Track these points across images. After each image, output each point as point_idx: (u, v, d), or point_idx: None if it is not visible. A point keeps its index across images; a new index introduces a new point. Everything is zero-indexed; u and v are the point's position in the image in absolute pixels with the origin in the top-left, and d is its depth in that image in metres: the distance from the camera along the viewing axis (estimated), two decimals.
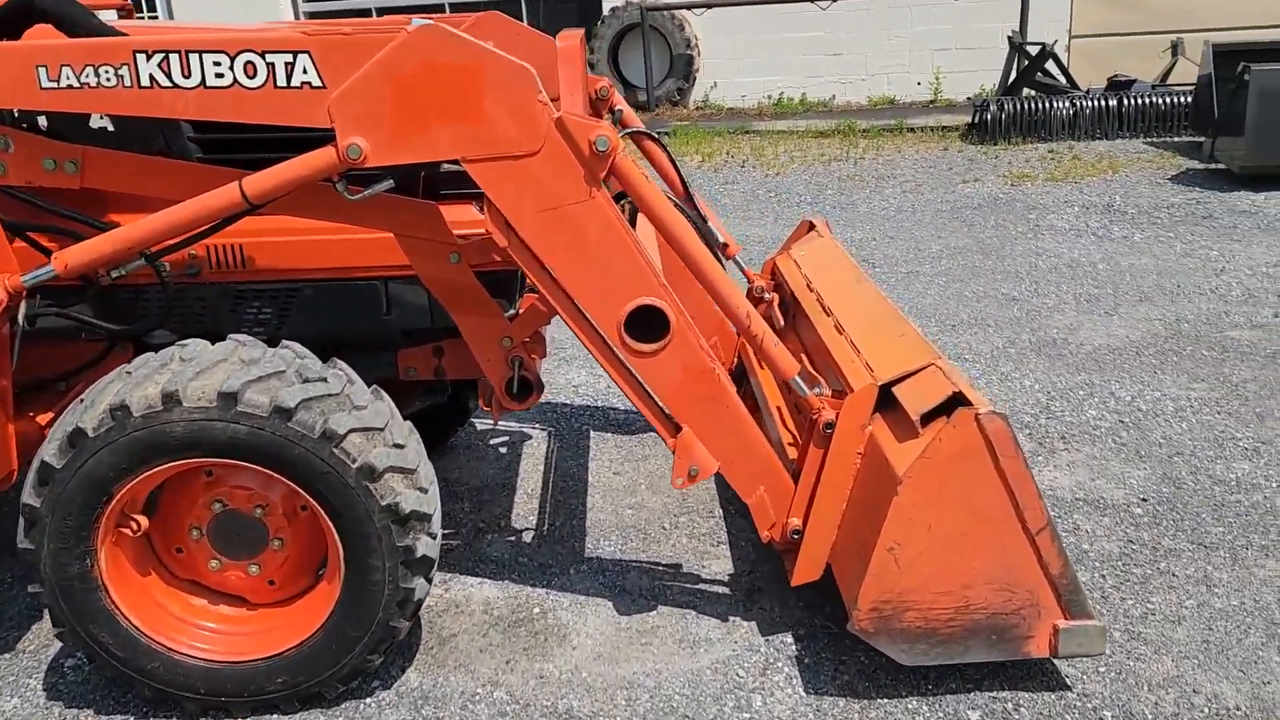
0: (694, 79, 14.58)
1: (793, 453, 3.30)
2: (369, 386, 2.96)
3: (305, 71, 2.61)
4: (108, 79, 2.63)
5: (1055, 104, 10.88)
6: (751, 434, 3.02)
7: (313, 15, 15.71)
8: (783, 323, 4.00)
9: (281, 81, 2.61)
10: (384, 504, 2.74)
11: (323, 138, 2.68)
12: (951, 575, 2.71)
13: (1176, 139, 10.66)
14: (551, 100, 2.71)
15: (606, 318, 2.88)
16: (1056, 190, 9.08)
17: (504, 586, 3.60)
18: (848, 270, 3.96)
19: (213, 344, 2.84)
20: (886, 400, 2.93)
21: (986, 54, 13.53)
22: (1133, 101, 10.81)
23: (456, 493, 4.27)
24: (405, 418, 3.77)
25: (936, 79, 13.86)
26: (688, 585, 3.56)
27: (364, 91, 2.60)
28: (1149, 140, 10.72)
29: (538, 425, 4.89)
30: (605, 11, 14.55)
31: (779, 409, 3.60)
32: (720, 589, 3.54)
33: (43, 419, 3.23)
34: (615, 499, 4.17)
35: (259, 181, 2.70)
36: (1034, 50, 11.51)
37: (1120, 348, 5.52)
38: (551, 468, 4.47)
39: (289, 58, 2.60)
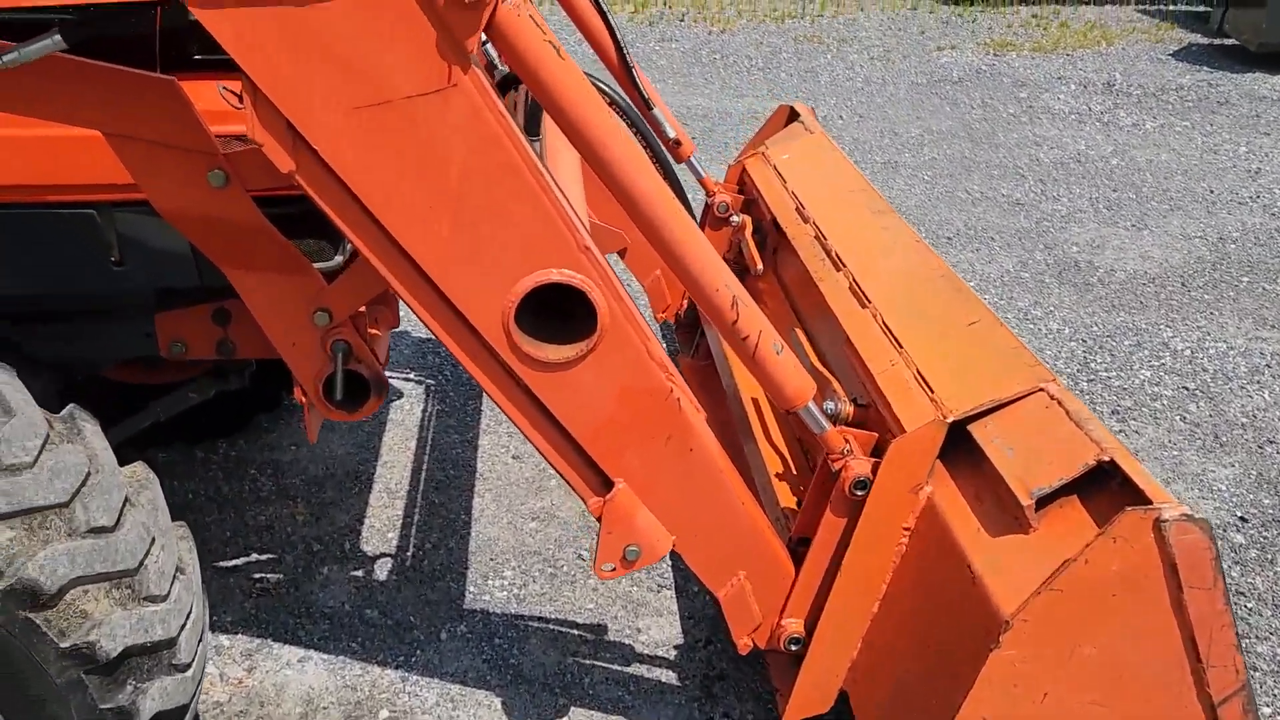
0: None
1: (789, 507, 2.10)
2: (65, 405, 1.67)
3: None
4: None
5: None
6: (729, 493, 1.81)
7: None
8: (759, 265, 2.74)
9: None
10: (67, 644, 1.49)
11: None
12: None
13: (1173, 6, 9.40)
14: None
15: (482, 303, 1.60)
16: (1046, 63, 7.81)
17: (338, 667, 2.39)
18: (857, 190, 2.69)
19: None
20: (955, 438, 1.74)
21: None
22: None
23: (285, 488, 3.01)
24: (174, 420, 2.47)
25: None
26: (614, 667, 2.41)
27: None
28: (1142, 7, 9.45)
29: (410, 375, 3.61)
30: None
31: (767, 435, 2.36)
32: (663, 673, 2.39)
33: None
34: (514, 503, 2.96)
35: None
36: None
37: (1160, 276, 4.39)
38: (426, 445, 3.22)
39: None
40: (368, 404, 2.04)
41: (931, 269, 2.20)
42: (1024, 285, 4.31)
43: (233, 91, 1.70)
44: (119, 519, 1.60)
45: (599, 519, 1.79)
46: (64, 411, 1.67)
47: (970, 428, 1.73)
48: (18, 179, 1.84)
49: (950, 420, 1.72)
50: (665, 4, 9.74)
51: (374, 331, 2.10)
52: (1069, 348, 3.79)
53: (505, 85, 2.36)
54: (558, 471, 1.80)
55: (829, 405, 1.85)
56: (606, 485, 1.77)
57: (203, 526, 2.84)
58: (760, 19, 9.20)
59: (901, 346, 1.95)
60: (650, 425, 1.72)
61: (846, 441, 1.79)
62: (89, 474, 1.58)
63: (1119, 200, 5.24)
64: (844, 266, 2.30)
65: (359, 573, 2.69)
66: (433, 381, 3.58)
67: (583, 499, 1.80)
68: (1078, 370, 3.64)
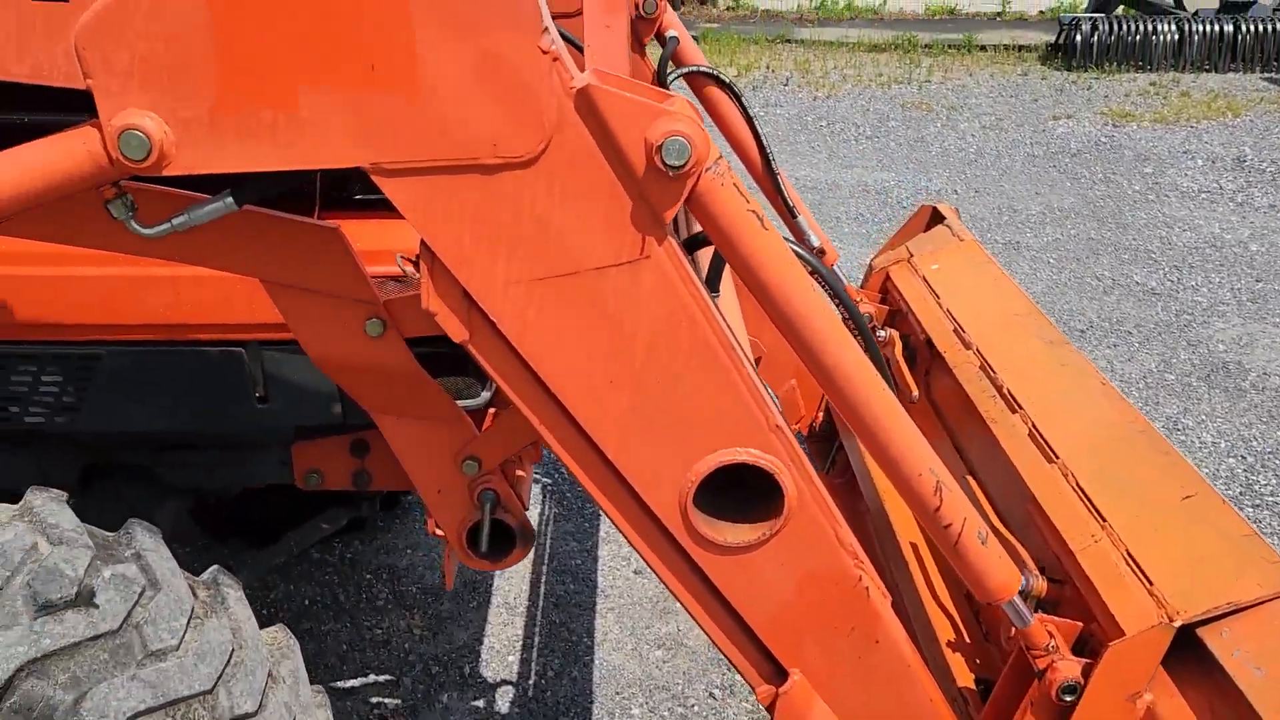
0: None
1: (967, 686, 1.91)
2: (237, 586, 1.57)
3: None
4: None
5: (1159, 27, 9.19)
6: (917, 690, 1.63)
7: None
8: (915, 392, 2.56)
9: None
10: None
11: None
12: None
13: None
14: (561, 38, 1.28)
15: (659, 482, 1.46)
16: (1169, 136, 7.50)
17: None
18: (1024, 314, 2.49)
19: None
20: (1182, 641, 1.54)
21: None
22: (1251, 28, 9.12)
23: (402, 596, 2.91)
24: (295, 553, 2.38)
25: None
26: None
27: (152, 11, 1.15)
28: (1268, 75, 9.07)
29: None
30: None
31: (930, 589, 2.17)
32: None
33: None
34: (638, 626, 2.81)
35: None
36: None
37: None
38: (544, 558, 3.09)
39: None
40: (513, 554, 1.91)
41: (1127, 422, 2.00)
42: (1169, 388, 4.04)
43: (410, 260, 1.60)
44: (262, 701, 1.48)
45: (769, 709, 1.62)
46: (207, 575, 1.57)
47: (1201, 632, 1.53)
48: (171, 318, 1.77)
49: (1179, 624, 1.52)
50: (769, 68, 9.66)
51: (519, 473, 1.98)
52: (1227, 465, 3.52)
53: (691, 245, 2.25)
54: (725, 656, 1.64)
55: (1030, 584, 1.67)
56: (780, 674, 1.61)
57: (318, 636, 2.74)
58: (866, 84, 9.05)
59: (1104, 519, 1.75)
60: (834, 615, 1.55)
61: (1050, 636, 1.60)
62: (233, 651, 1.48)
63: (1264, 292, 4.93)
64: (1020, 408, 2.11)
65: (480, 702, 2.56)
66: (549, 480, 3.46)
67: (751, 685, 1.64)
68: (1240, 493, 3.37)
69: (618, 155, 1.27)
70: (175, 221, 1.35)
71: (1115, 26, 9.24)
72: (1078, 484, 1.85)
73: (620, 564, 3.05)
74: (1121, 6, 9.88)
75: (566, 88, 1.24)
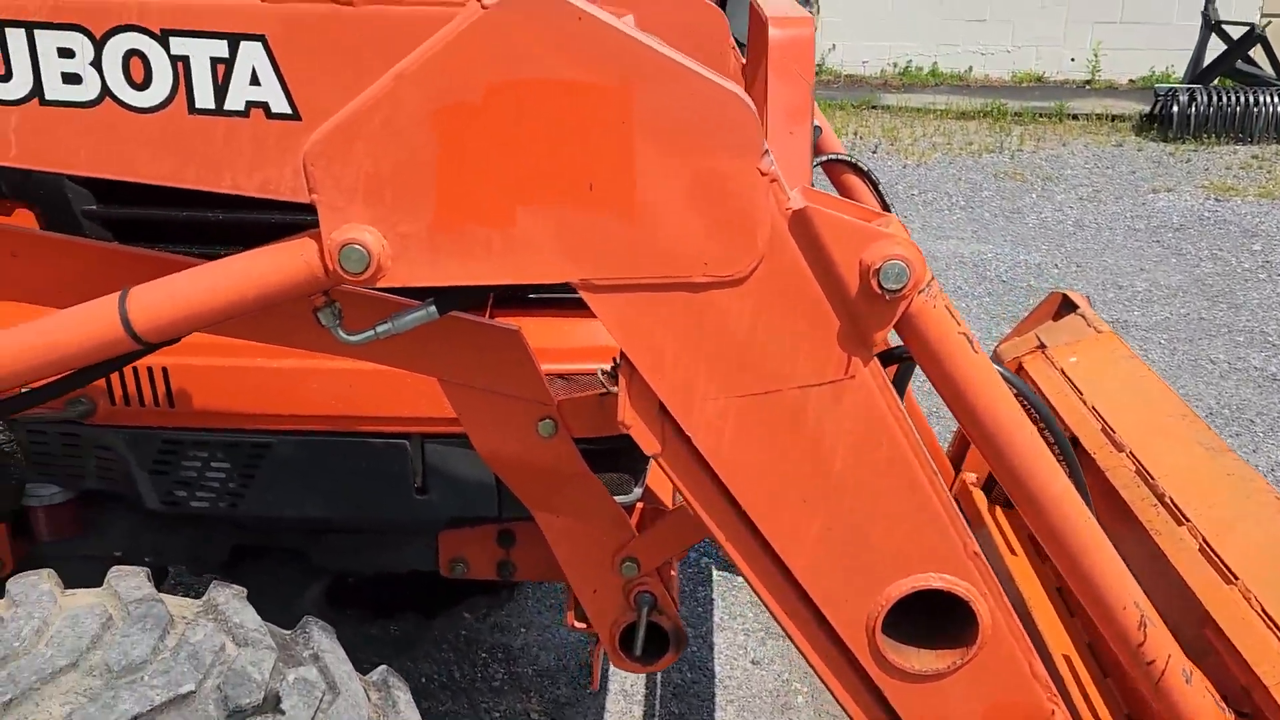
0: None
1: None
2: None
3: (256, 80, 1.18)
4: None
5: (1260, 99, 9.01)
6: None
7: None
8: None
9: (205, 101, 1.18)
10: None
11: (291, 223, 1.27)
12: None
13: None
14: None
15: (847, 604, 1.42)
16: (1276, 211, 7.31)
17: None
18: (1178, 417, 2.40)
19: (65, 588, 1.44)
20: None
21: (1157, 30, 11.60)
22: None
23: (518, 678, 2.88)
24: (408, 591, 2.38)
25: (1095, 56, 11.95)
26: None
27: (381, 133, 1.16)
28: None
29: None
30: None
31: (1091, 709, 2.08)
32: None
33: None
34: (759, 719, 2.73)
35: (155, 306, 1.28)
36: (1236, 32, 9.57)
37: None
38: None
39: (220, 48, 1.17)
40: (665, 658, 1.87)
41: None
42: None
43: (606, 372, 1.60)
44: None
45: None
46: (376, 676, 1.56)
47: None
48: (342, 409, 1.78)
49: None
50: (856, 134, 9.66)
51: (671, 573, 1.95)
52: None
53: (884, 360, 2.22)
54: None
55: None
56: None
57: (438, 716, 2.72)
58: (956, 152, 9.00)
59: None
60: None
61: None
62: None
63: None
64: (1187, 521, 2.03)
65: None
66: None
67: None
68: None
69: (830, 276, 1.25)
70: (379, 329, 1.36)
71: (1214, 98, 9.09)
72: (1263, 610, 1.76)
73: (737, 653, 2.99)
74: (1220, 77, 9.69)
75: (782, 209, 1.23)
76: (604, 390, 1.69)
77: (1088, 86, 11.86)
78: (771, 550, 1.43)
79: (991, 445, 1.35)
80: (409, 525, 2.01)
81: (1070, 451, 1.72)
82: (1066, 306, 3.05)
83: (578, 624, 2.06)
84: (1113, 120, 9.98)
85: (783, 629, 1.51)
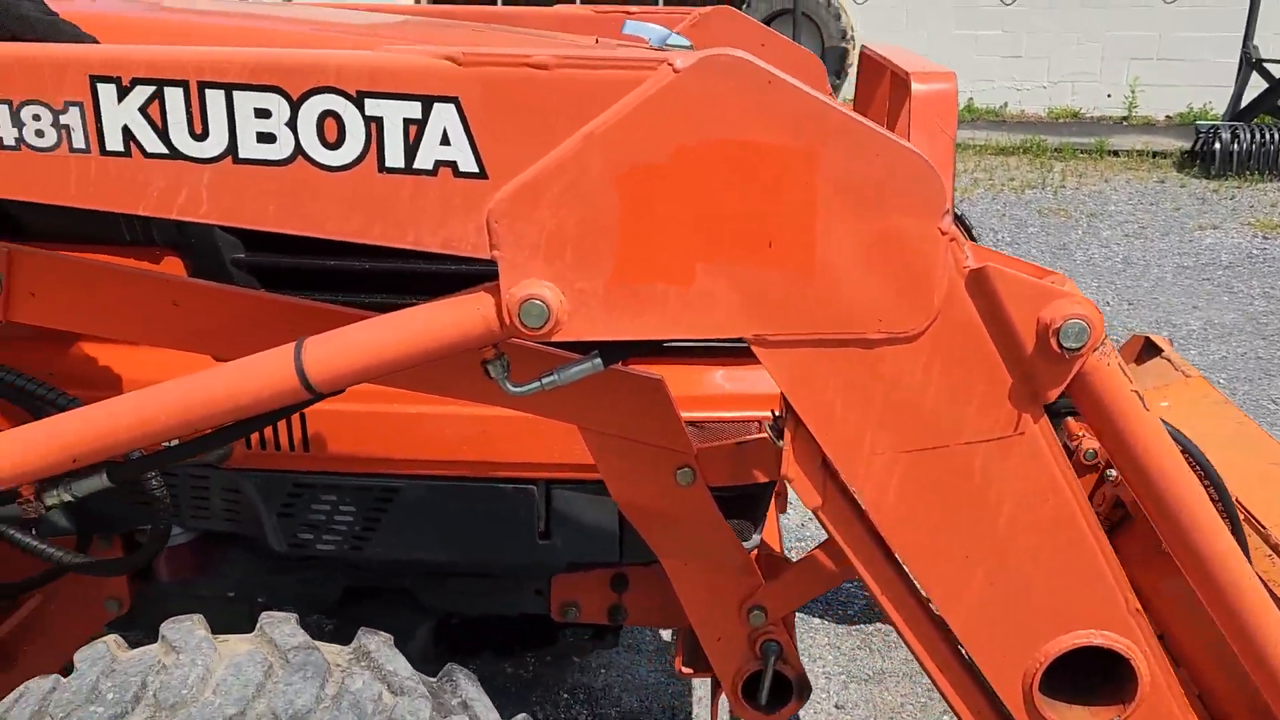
0: (846, 75, 12.89)
1: None
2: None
3: (446, 140, 1.19)
4: (39, 135, 1.22)
5: None
6: None
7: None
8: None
9: (394, 160, 1.20)
10: None
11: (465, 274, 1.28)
12: None
13: None
14: None
15: (1004, 660, 1.42)
16: None
17: None
18: (1267, 456, 2.39)
19: (216, 636, 1.45)
20: None
21: (1195, 67, 11.59)
22: None
23: (602, 719, 2.85)
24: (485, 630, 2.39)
25: (1132, 92, 11.96)
26: None
27: (567, 193, 1.18)
28: None
29: None
30: None
31: None
32: None
33: None
34: None
35: (331, 358, 1.29)
36: (1277, 70, 9.56)
37: None
38: None
39: (413, 109, 1.19)
40: (789, 706, 1.87)
41: None
42: None
43: (770, 426, 1.60)
44: None
45: None
46: None
47: None
48: (471, 455, 1.79)
49: None
50: None
51: (791, 620, 1.94)
52: None
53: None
54: None
55: None
56: None
57: None
58: (998, 188, 9.01)
59: None
60: None
61: None
62: None
63: None
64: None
65: None
66: None
67: None
68: None
69: (1006, 333, 1.26)
70: (544, 381, 1.37)
71: (1257, 135, 9.07)
72: None
73: (820, 698, 2.97)
74: (1261, 114, 9.67)
75: (960, 267, 1.23)
76: (741, 439, 1.70)
77: (1125, 122, 11.86)
78: (925, 604, 1.43)
79: (1160, 504, 1.34)
80: (528, 569, 2.01)
81: (1234, 509, 1.71)
82: (1149, 350, 3.03)
83: (685, 669, 2.05)
84: (1153, 157, 9.97)
85: (933, 682, 1.50)
